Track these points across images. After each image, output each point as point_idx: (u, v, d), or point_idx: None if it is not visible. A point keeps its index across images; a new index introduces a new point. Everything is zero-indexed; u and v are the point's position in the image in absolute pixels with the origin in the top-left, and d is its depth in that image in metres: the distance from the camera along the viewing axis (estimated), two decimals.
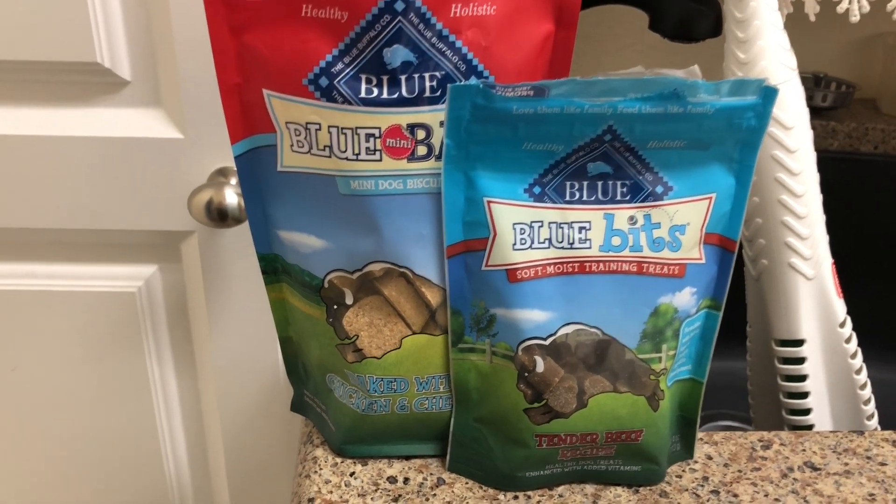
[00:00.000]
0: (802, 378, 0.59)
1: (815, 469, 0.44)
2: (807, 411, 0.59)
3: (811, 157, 0.58)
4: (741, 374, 0.69)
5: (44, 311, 0.68)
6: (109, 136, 0.58)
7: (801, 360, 0.58)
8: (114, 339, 0.67)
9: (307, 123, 0.38)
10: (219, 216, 0.55)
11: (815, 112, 0.95)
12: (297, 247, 0.42)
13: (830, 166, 0.60)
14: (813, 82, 0.99)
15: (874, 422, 0.59)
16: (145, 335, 0.67)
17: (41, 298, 0.67)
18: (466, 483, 0.43)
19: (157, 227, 0.61)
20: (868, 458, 0.45)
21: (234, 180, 0.57)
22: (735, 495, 0.42)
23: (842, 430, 0.57)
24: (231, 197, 0.55)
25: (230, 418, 0.69)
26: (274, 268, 0.44)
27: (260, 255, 0.44)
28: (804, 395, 0.59)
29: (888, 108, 1.00)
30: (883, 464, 0.45)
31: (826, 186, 0.58)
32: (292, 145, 0.39)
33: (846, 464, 0.45)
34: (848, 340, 0.58)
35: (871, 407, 0.60)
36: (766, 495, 0.43)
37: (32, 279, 0.67)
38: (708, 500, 0.42)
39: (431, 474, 0.43)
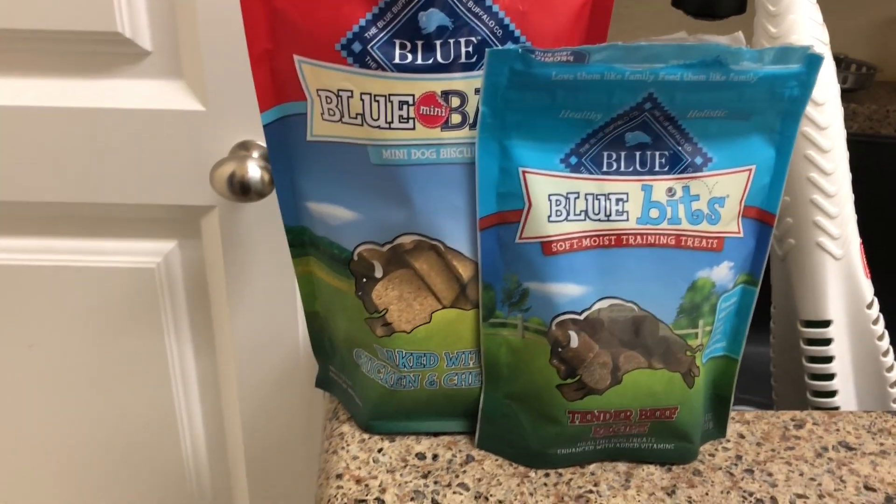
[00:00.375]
0: (828, 360, 0.58)
1: (850, 449, 0.44)
2: (832, 393, 0.58)
3: (841, 134, 0.57)
4: (759, 358, 0.68)
5: (62, 287, 0.67)
6: (129, 108, 0.57)
7: (827, 342, 0.57)
8: (132, 315, 0.66)
9: (339, 90, 0.37)
10: (241, 190, 0.54)
11: None
12: (326, 219, 0.41)
13: (850, 148, 0.59)
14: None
15: None
16: (164, 311, 0.66)
17: (59, 274, 0.66)
18: (496, 460, 0.42)
19: (176, 201, 0.60)
20: None
21: (256, 153, 0.56)
22: (770, 474, 0.42)
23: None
24: (254, 170, 0.54)
25: (248, 395, 0.69)
26: (301, 241, 0.43)
27: (287, 227, 0.43)
28: (830, 376, 0.58)
29: None
30: None
31: None
32: (323, 113, 0.38)
33: (881, 444, 0.44)
34: (875, 322, 0.57)
35: None
36: (801, 474, 0.42)
37: (50, 254, 0.66)
38: (742, 479, 0.41)
39: (460, 451, 0.43)
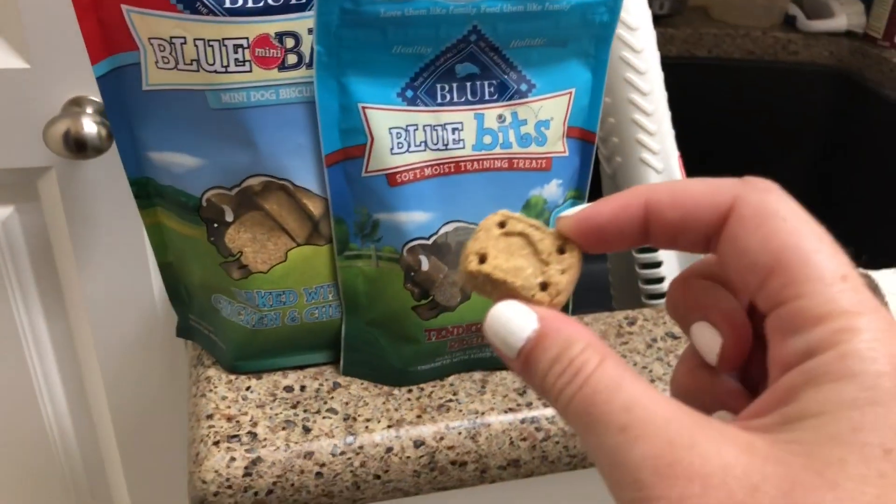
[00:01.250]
0: (658, 264, 0.64)
1: (674, 338, 0.49)
2: (663, 294, 0.64)
3: (655, 56, 0.62)
4: (602, 276, 0.73)
5: None
6: None
7: (655, 248, 0.63)
8: None
9: (171, 38, 0.37)
10: (77, 147, 0.52)
11: (654, 20, 1.00)
12: (169, 167, 0.41)
13: (669, 71, 0.64)
14: None
15: None
16: (8, 281, 0.64)
17: None
18: (362, 384, 0.45)
19: (9, 164, 0.57)
20: None
21: (90, 109, 0.55)
22: None
23: None
24: (89, 126, 0.53)
25: (108, 355, 0.68)
26: (147, 192, 0.43)
27: (131, 179, 0.43)
28: (660, 279, 0.64)
29: (718, 14, 1.07)
30: None
31: (667, 90, 0.62)
32: (157, 62, 0.38)
33: None
34: None
35: None
36: (634, 364, 0.47)
37: None
38: None
39: (327, 380, 0.45)
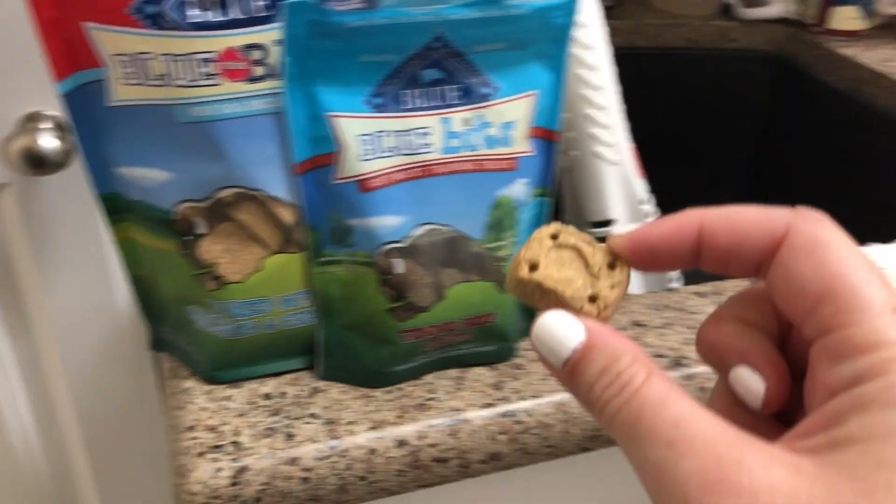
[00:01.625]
0: None
1: (640, 325, 0.51)
2: None
3: (606, 52, 0.63)
4: None
5: None
6: None
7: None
8: None
9: (137, 54, 0.37)
10: (36, 164, 0.52)
11: None
12: (139, 182, 0.41)
13: (615, 62, 0.66)
14: None
15: (678, 284, 0.67)
16: None
17: None
18: (341, 387, 0.45)
19: None
20: (681, 309, 0.53)
21: (47, 124, 0.54)
22: None
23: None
24: (49, 142, 0.52)
25: (74, 370, 0.67)
26: (116, 207, 0.43)
27: (99, 195, 0.42)
28: None
29: (658, 3, 1.10)
30: (694, 313, 0.52)
31: None
32: (123, 78, 0.38)
33: (665, 317, 0.52)
34: (648, 215, 0.65)
35: (675, 272, 0.68)
36: None
37: None
38: None
39: (306, 385, 0.45)
